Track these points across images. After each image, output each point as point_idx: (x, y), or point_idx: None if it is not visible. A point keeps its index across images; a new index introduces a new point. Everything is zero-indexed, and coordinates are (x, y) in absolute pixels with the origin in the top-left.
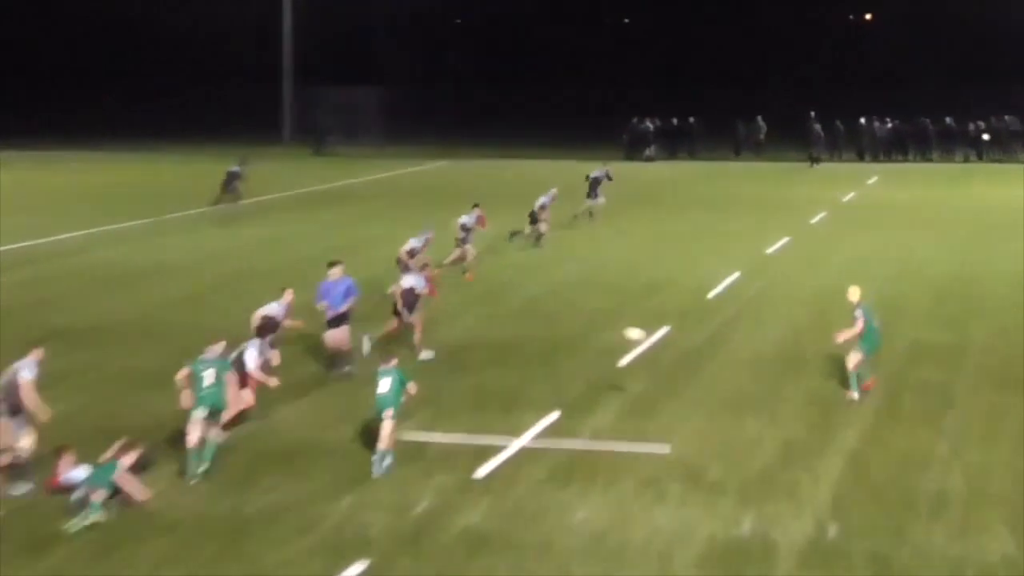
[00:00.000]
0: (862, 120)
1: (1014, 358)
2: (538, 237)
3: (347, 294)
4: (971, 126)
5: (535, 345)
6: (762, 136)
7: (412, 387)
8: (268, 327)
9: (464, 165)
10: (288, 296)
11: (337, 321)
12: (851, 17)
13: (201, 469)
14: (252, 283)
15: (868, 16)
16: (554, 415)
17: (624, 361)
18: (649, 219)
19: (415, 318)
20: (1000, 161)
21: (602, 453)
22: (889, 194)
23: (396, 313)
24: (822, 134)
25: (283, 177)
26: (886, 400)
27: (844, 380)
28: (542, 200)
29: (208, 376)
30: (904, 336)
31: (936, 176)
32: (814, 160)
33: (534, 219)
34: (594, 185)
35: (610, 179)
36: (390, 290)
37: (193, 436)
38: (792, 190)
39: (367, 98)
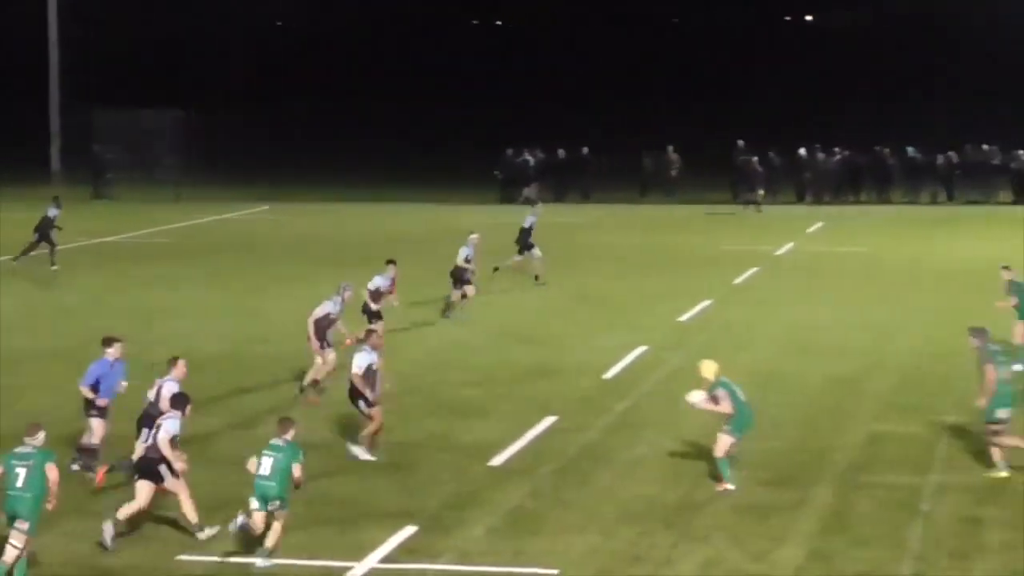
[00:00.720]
0: (802, 151)
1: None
2: (451, 306)
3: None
4: (940, 158)
5: (383, 444)
6: (675, 172)
7: (298, 470)
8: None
9: (292, 210)
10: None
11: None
12: (788, 19)
13: None
14: None
15: (809, 17)
16: (408, 530)
17: (497, 461)
18: (531, 280)
19: (375, 410)
20: (976, 203)
21: None
22: (836, 246)
23: (356, 399)
24: (759, 168)
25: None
26: (836, 506)
27: (774, 482)
28: (465, 252)
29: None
30: (857, 427)
31: (896, 222)
32: (752, 203)
33: (460, 279)
34: (525, 236)
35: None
36: (352, 372)
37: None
38: (713, 241)
39: (161, 124)
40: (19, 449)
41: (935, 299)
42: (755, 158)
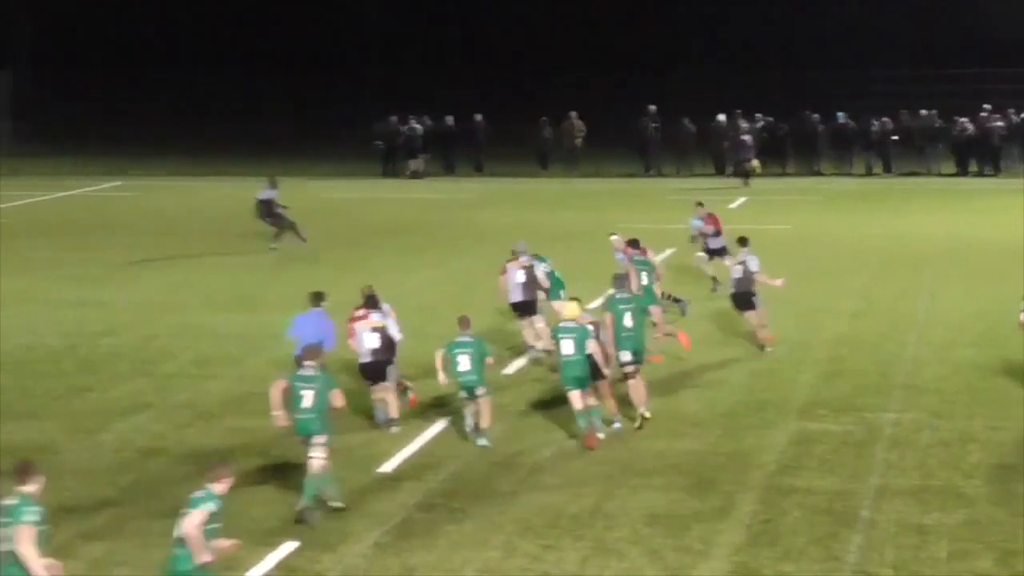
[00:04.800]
0: (721, 117)
1: (935, 449)
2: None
3: None
4: (874, 123)
5: (252, 446)
6: (578, 141)
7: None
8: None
9: (149, 186)
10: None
11: None
12: None
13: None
14: None
15: None
16: (288, 546)
17: (387, 468)
18: (415, 266)
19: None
20: (915, 174)
21: None
22: (760, 223)
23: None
24: (656, 136)
25: None
26: (763, 514)
27: (694, 488)
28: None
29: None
30: (785, 425)
31: (827, 197)
32: (743, 175)
33: None
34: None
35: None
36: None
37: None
38: (622, 219)
39: None
40: (302, 372)
41: (866, 281)
42: (744, 125)
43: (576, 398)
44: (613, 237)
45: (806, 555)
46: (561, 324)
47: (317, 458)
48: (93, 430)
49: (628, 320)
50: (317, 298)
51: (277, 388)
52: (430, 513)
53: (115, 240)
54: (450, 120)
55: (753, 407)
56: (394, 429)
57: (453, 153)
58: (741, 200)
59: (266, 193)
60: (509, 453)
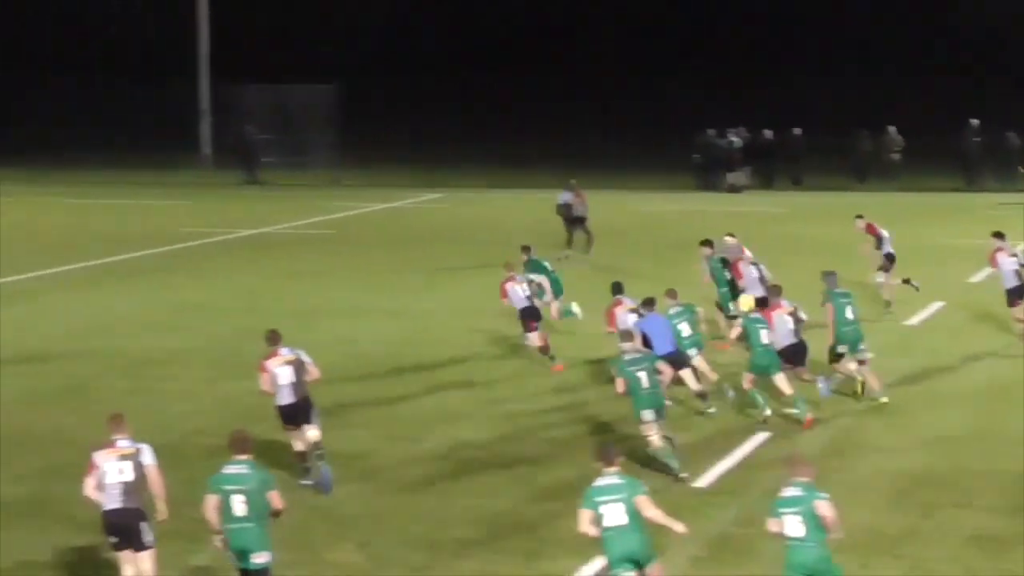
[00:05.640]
0: None
1: None
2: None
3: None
4: None
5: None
6: (896, 155)
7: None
8: None
9: (468, 198)
10: None
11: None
12: None
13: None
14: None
15: None
16: (600, 561)
17: (703, 482)
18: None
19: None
20: None
21: None
22: None
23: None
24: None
25: (208, 216)
26: None
27: (1014, 507)
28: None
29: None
30: None
31: None
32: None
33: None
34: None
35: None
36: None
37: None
38: (942, 233)
39: (313, 100)
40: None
41: None
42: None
43: (782, 381)
44: (728, 239)
45: None
46: (752, 316)
47: None
48: (410, 437)
49: (849, 312)
50: (649, 303)
51: None
52: (748, 528)
53: (435, 250)
54: (768, 133)
55: None
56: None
57: (771, 166)
58: None
59: (563, 197)
60: (825, 468)
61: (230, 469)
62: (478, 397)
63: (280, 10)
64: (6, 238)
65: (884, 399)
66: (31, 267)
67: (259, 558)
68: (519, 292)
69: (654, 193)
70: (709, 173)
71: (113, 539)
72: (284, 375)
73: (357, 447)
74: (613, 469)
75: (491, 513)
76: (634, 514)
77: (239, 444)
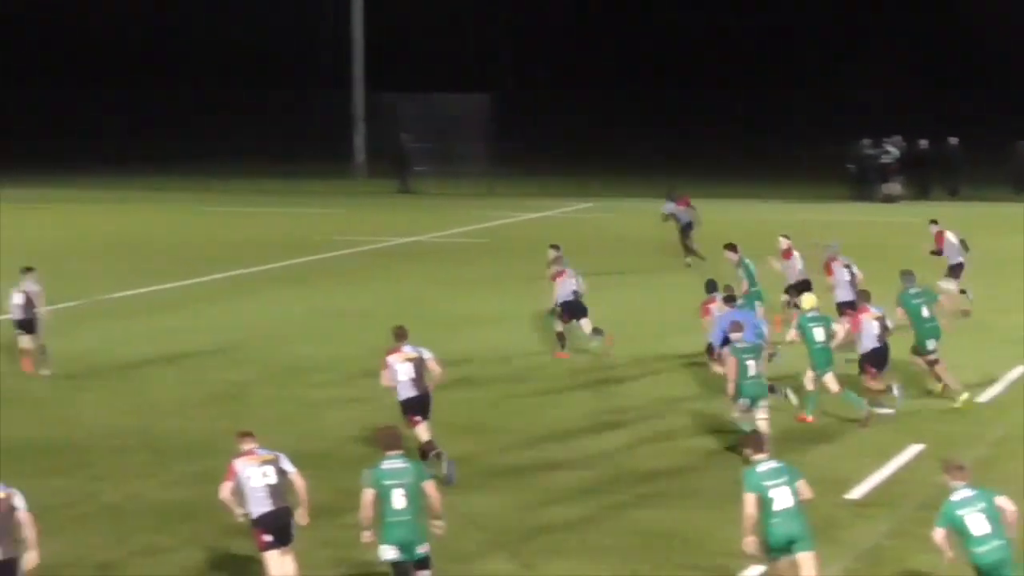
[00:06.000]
0: None
1: None
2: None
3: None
4: None
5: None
6: None
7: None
8: None
9: (617, 207)
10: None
11: None
12: None
13: None
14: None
15: None
16: (755, 570)
17: (855, 494)
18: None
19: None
20: None
21: None
22: None
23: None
24: None
25: (362, 224)
26: None
27: None
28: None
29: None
30: None
31: None
32: None
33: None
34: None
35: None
36: None
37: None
38: None
39: (467, 110)
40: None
41: None
42: None
43: (831, 381)
44: (781, 239)
45: None
46: (809, 314)
47: None
48: (559, 446)
49: (925, 312)
50: (731, 299)
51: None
52: (902, 541)
53: (589, 259)
54: (924, 143)
55: None
56: None
57: (927, 176)
58: None
59: (667, 207)
60: (979, 482)
61: (387, 464)
62: (621, 405)
63: (433, 19)
64: (164, 246)
65: (964, 395)
66: (186, 275)
67: (422, 548)
68: (569, 284)
69: (807, 204)
70: (864, 183)
71: (268, 538)
72: (404, 371)
73: (507, 457)
74: (762, 456)
75: (653, 525)
76: (796, 498)
77: (391, 440)
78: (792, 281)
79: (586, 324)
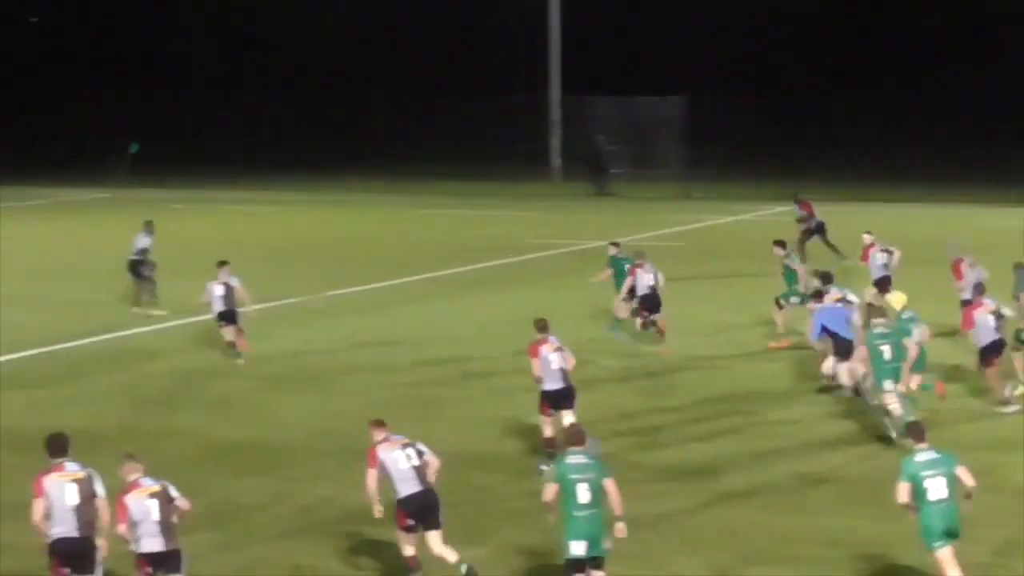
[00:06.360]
0: None
1: None
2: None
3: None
4: None
5: None
6: None
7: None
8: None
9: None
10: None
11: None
12: None
13: None
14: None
15: None
16: None
17: None
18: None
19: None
20: None
21: None
22: None
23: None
24: None
25: (557, 227)
26: None
27: None
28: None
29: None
30: None
31: None
32: None
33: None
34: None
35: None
36: None
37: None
38: None
39: (662, 112)
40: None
41: None
42: None
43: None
44: (865, 235)
45: None
46: (905, 315)
47: None
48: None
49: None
50: (818, 295)
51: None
52: None
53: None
54: None
55: None
56: None
57: None
58: None
59: (799, 212)
60: None
61: (572, 459)
62: (811, 413)
63: (628, 22)
64: (357, 248)
65: None
66: (379, 277)
67: (607, 543)
68: (647, 278)
69: (1010, 208)
70: None
71: (411, 522)
72: (555, 360)
73: (704, 457)
74: (924, 445)
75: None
76: (953, 487)
77: (576, 436)
78: (874, 277)
79: (659, 318)
